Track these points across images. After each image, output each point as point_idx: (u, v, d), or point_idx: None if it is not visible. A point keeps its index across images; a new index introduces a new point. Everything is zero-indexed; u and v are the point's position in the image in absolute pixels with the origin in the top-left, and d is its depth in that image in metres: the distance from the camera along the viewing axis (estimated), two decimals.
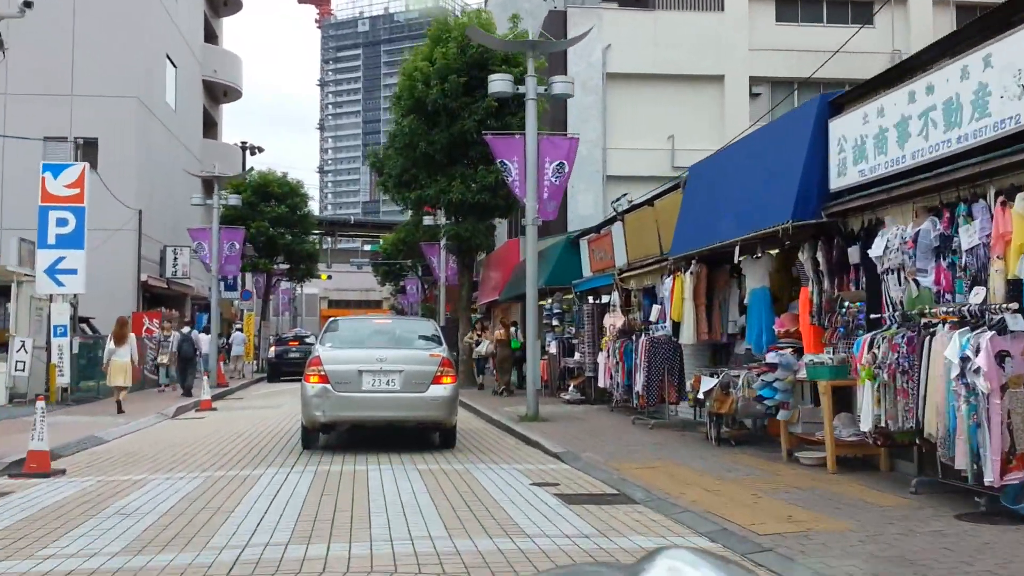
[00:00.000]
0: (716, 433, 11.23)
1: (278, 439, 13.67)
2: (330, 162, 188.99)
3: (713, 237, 12.01)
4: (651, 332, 13.94)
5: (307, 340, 33.61)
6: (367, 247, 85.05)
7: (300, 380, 12.06)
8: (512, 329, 24.02)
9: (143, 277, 33.86)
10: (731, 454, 10.54)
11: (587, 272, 20.53)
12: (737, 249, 10.96)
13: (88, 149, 33.02)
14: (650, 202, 15.67)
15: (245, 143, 44.77)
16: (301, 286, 75.91)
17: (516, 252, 29.64)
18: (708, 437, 11.47)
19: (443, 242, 27.15)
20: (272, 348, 32.90)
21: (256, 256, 38.43)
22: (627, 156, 31.92)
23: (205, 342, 34.14)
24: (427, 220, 31.35)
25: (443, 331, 23.79)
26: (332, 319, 13.53)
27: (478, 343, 23.40)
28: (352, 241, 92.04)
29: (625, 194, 17.96)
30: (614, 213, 17.51)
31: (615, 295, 17.30)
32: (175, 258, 36.79)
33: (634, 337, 14.53)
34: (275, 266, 39.50)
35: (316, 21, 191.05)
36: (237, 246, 27.60)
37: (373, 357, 11.30)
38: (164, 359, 21.09)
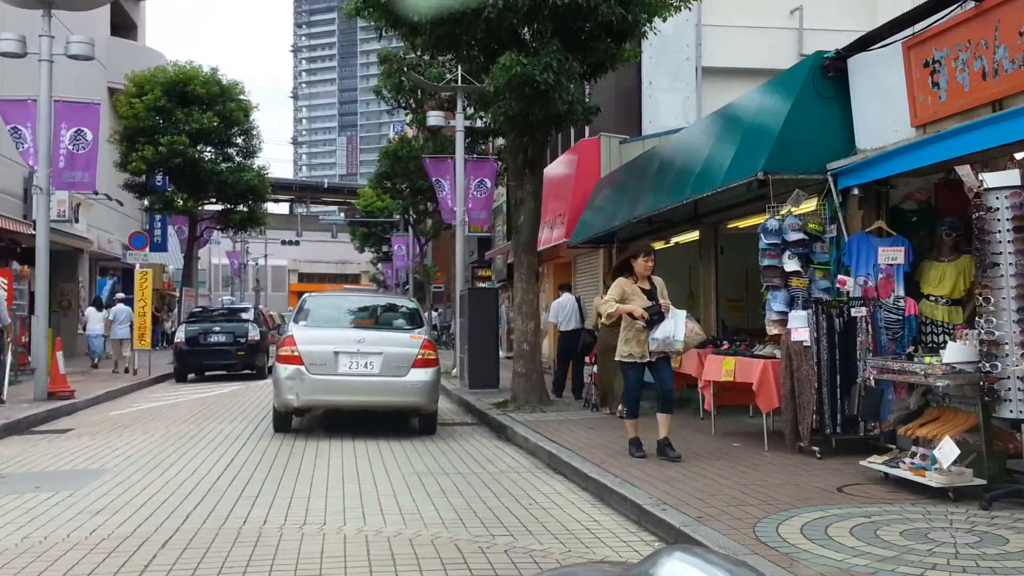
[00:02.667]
0: None
1: None
2: (304, 132, 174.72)
3: None
4: None
5: (242, 316, 20.53)
6: (342, 215, 71.87)
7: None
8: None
9: None
10: None
11: (905, 131, 7.66)
12: None
13: None
14: None
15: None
16: (263, 251, 62.48)
17: (593, 160, 16.67)
18: None
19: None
20: (182, 327, 19.77)
21: (171, 190, 25.15)
22: (733, 38, 20.55)
23: (97, 319, 21.13)
24: (434, 118, 18.32)
25: (470, 304, 13.34)
26: (307, 295, 12.01)
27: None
28: (330, 216, 78.46)
29: None
30: None
31: None
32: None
33: None
34: (202, 205, 26.25)
35: None
36: (90, 137, 14.33)
37: (351, 338, 10.31)
38: None
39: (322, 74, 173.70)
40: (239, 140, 25.86)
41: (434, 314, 37.09)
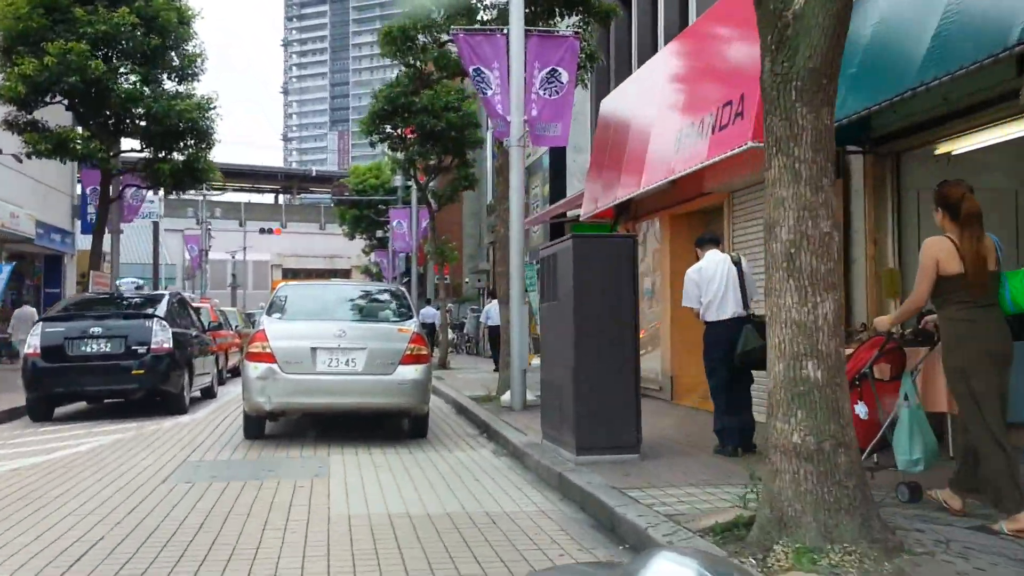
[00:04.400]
0: None
1: None
2: (295, 128, 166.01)
3: None
4: None
5: (144, 310, 11.98)
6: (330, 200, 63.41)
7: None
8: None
9: None
10: None
11: None
12: None
13: None
14: None
15: None
16: (241, 243, 54.07)
17: None
18: None
19: None
20: (37, 328, 11.35)
21: (66, 127, 16.78)
22: None
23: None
24: None
25: (577, 268, 7.14)
26: (282, 285, 10.80)
27: None
28: (312, 197, 69.83)
29: None
30: None
31: None
32: None
33: None
34: (116, 153, 17.85)
35: None
36: None
37: (330, 332, 9.00)
38: None
39: (313, 68, 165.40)
40: (172, 58, 17.48)
41: (433, 311, 28.94)
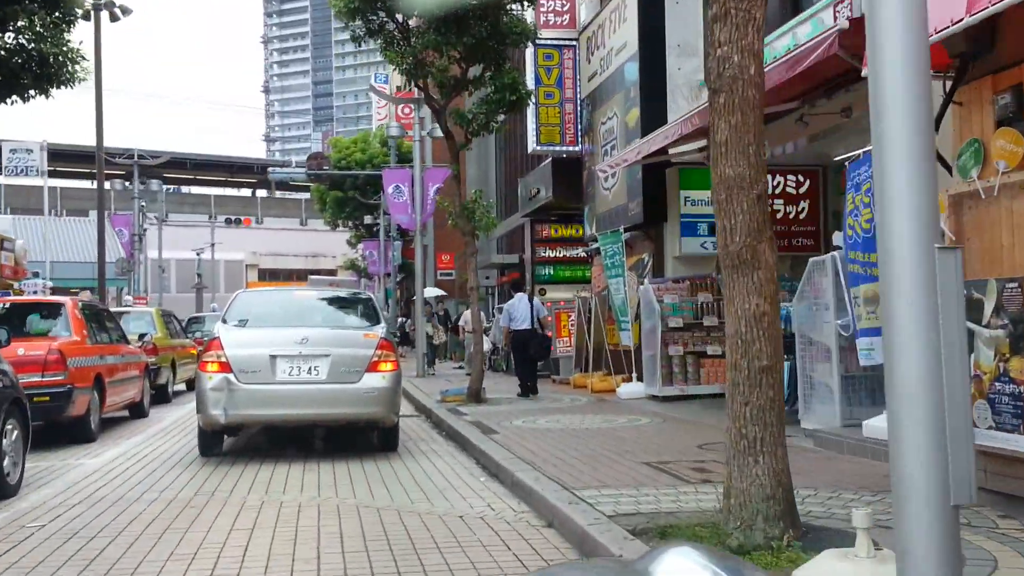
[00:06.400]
0: None
1: None
2: (277, 128, 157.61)
3: None
4: None
5: None
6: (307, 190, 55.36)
7: None
8: None
9: None
10: None
11: None
12: None
13: None
14: None
15: None
16: (208, 239, 45.89)
17: None
18: None
19: None
20: None
21: None
22: None
23: None
24: None
25: None
26: (240, 291, 10.67)
27: None
28: (281, 172, 61.26)
29: None
30: None
31: None
32: None
33: None
34: None
35: None
36: None
37: (291, 338, 8.39)
38: None
39: (295, 66, 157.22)
40: None
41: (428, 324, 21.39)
